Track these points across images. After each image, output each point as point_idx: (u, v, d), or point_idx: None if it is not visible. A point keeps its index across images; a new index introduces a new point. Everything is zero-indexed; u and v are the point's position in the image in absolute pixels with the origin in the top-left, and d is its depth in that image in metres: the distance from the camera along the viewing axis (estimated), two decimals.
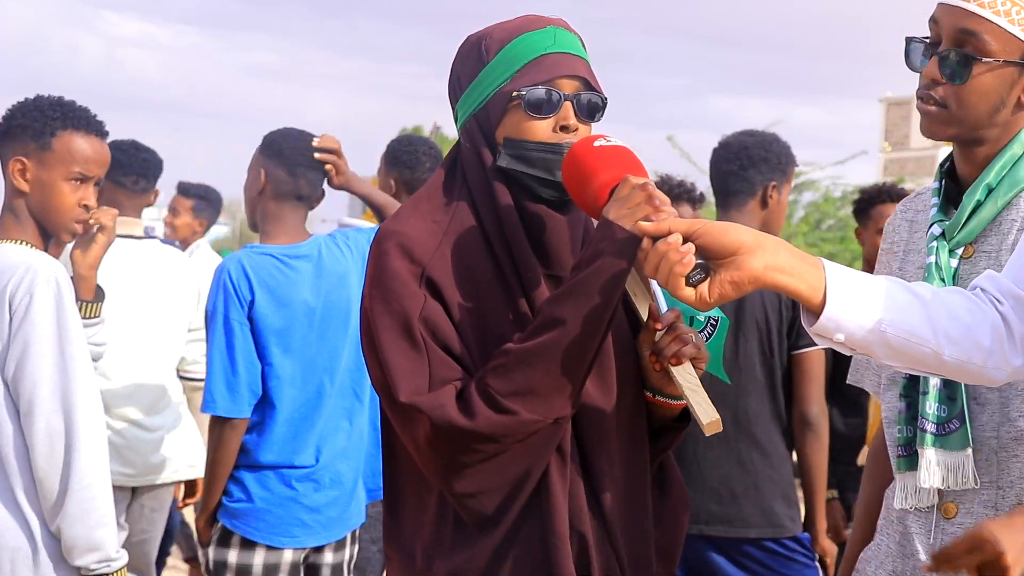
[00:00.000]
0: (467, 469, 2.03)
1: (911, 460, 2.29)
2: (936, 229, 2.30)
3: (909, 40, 2.28)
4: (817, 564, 3.86)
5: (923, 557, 2.28)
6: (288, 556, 3.73)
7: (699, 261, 1.88)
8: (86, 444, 2.74)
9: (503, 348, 2.04)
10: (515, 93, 2.11)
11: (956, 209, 2.32)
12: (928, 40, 2.26)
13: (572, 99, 2.13)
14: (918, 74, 2.28)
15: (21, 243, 2.88)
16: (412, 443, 2.07)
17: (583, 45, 2.19)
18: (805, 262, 1.93)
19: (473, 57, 2.17)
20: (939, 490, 2.27)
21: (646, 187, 1.99)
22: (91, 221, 3.05)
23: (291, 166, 3.76)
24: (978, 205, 2.27)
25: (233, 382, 3.67)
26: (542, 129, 2.12)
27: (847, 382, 2.62)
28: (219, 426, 3.70)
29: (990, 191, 2.27)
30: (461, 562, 2.08)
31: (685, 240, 1.89)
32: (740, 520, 3.73)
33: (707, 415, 2.01)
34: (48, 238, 2.96)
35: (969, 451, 2.22)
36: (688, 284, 1.88)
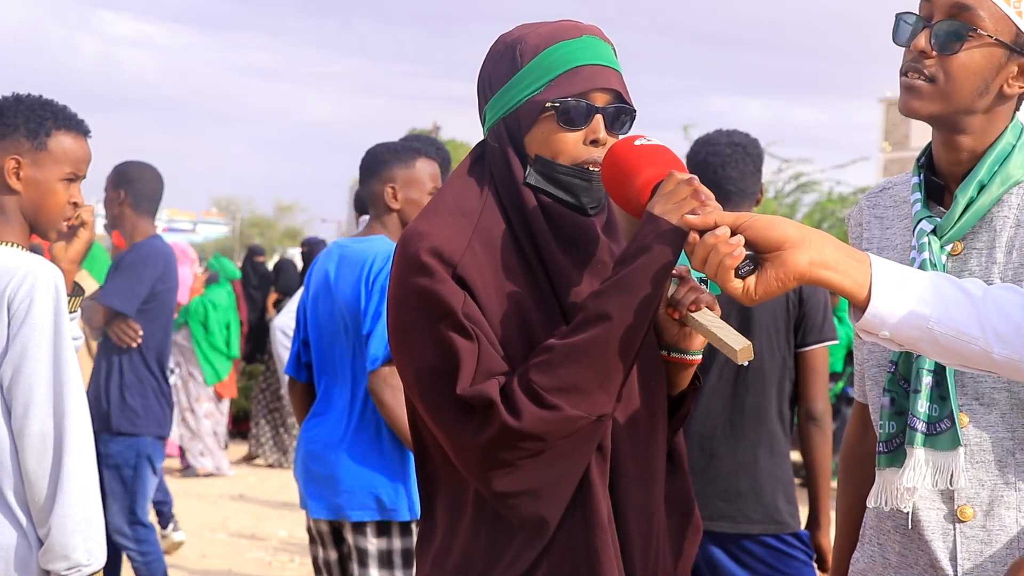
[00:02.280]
0: (508, 468, 2.00)
1: (892, 457, 2.21)
2: (926, 225, 2.24)
3: (899, 16, 2.24)
4: (814, 563, 3.85)
5: (945, 565, 2.19)
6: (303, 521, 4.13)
7: (749, 253, 1.88)
8: (76, 449, 2.75)
9: (547, 344, 2.02)
10: (548, 104, 2.09)
11: (938, 204, 2.28)
12: (919, 16, 2.22)
13: (603, 112, 2.12)
14: (904, 51, 2.24)
15: (12, 245, 2.88)
16: (451, 442, 2.04)
17: (616, 54, 2.17)
18: (851, 257, 1.91)
19: (507, 60, 2.15)
20: (952, 494, 2.20)
21: (692, 182, 1.98)
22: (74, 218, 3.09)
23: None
24: (970, 202, 2.22)
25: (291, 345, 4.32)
26: (572, 141, 2.11)
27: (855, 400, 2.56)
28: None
29: (982, 187, 2.22)
30: (500, 563, 2.06)
31: (732, 233, 1.88)
32: (743, 516, 3.73)
33: (738, 342, 1.98)
34: (30, 236, 2.97)
35: (960, 451, 2.15)
36: (737, 276, 1.87)
